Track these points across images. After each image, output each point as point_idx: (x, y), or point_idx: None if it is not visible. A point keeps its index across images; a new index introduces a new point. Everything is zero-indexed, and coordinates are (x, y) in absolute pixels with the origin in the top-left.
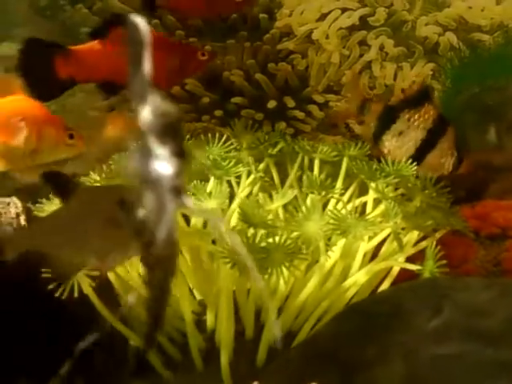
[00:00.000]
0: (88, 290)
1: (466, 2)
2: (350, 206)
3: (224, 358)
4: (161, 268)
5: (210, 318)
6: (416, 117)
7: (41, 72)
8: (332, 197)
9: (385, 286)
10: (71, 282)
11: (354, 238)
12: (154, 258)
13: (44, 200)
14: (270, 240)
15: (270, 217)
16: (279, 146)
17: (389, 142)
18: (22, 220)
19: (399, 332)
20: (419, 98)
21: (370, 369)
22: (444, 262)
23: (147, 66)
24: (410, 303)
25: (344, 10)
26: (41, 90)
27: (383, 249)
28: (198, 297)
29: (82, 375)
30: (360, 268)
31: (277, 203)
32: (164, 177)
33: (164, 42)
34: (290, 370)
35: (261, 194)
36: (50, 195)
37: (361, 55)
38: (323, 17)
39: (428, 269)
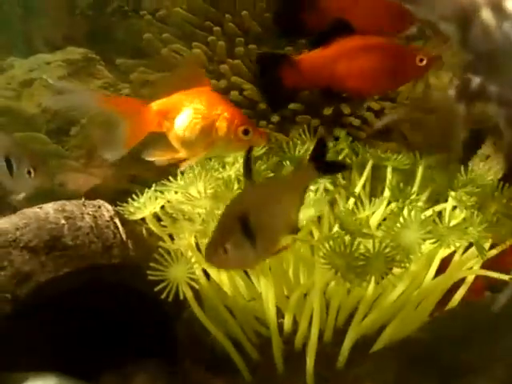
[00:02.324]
0: (188, 293)
1: None
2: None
3: (310, 362)
4: None
5: (288, 322)
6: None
7: (270, 82)
8: (415, 205)
9: (460, 293)
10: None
11: (447, 247)
12: None
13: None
14: (370, 248)
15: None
16: (344, 153)
17: (476, 167)
18: (118, 222)
19: (502, 338)
20: None
21: (471, 374)
22: None
23: None
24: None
25: None
26: (271, 99)
27: (456, 257)
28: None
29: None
30: (436, 275)
31: (368, 211)
32: None
33: (381, 45)
34: (384, 373)
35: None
36: None
37: None
38: None
39: None
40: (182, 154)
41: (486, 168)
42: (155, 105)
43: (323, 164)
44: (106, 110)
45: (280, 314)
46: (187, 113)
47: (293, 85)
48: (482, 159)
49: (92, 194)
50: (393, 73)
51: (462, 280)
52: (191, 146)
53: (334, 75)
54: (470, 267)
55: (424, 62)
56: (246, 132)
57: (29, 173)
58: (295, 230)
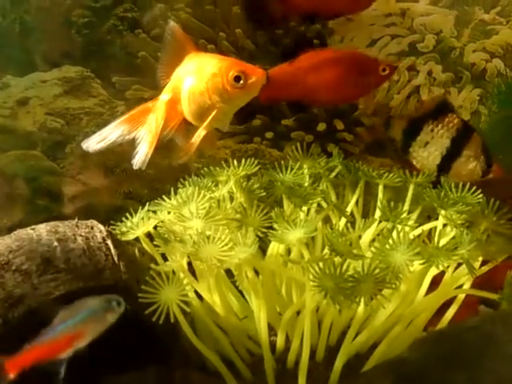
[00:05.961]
0: (180, 316)
1: None
2: (416, 233)
3: (301, 381)
4: None
5: (281, 340)
6: (439, 127)
7: None
8: (406, 225)
9: (451, 311)
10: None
11: (436, 267)
12: None
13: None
14: (359, 269)
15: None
16: (337, 170)
17: (416, 153)
18: (110, 243)
19: (490, 359)
20: (439, 109)
21: None
22: None
23: None
24: (500, 332)
25: (394, 37)
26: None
27: (447, 275)
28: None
29: None
30: (426, 294)
31: (358, 232)
32: None
33: (344, 56)
34: None
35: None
36: None
37: (409, 80)
38: (373, 43)
39: (506, 297)
40: (202, 128)
41: (425, 154)
42: (162, 96)
43: None
44: (130, 127)
45: (272, 332)
46: (185, 87)
47: (264, 98)
48: (420, 146)
49: None
50: (357, 82)
51: (454, 296)
52: (202, 115)
53: (299, 88)
54: (460, 284)
55: (386, 72)
56: (237, 79)
57: None
58: None
